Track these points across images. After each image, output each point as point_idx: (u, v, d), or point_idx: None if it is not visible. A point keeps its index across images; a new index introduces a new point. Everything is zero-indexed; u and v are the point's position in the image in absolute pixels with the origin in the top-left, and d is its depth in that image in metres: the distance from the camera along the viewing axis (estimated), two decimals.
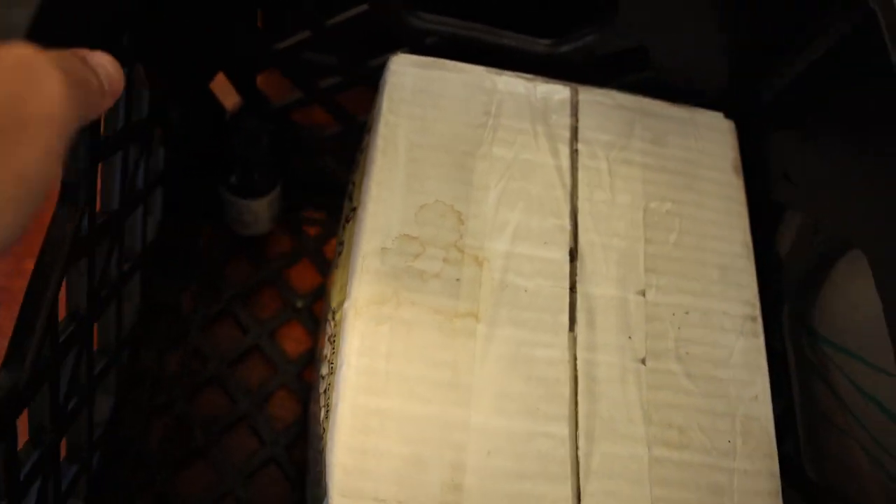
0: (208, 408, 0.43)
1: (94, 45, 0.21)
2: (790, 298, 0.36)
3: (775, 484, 0.31)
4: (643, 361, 0.32)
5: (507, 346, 0.31)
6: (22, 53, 0.18)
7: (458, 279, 0.32)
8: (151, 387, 0.42)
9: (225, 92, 0.42)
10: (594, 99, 0.37)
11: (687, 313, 0.33)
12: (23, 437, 0.27)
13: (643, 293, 0.33)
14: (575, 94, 0.37)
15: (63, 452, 0.33)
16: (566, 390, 0.31)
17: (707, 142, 0.37)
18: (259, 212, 0.45)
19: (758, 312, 0.34)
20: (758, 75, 0.38)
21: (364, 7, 0.36)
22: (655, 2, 0.35)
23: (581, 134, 0.36)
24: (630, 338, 0.32)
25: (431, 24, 0.37)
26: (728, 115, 0.38)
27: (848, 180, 0.33)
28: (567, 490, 0.29)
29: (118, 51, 0.24)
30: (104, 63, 0.22)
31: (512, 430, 0.29)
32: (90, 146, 0.29)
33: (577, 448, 0.30)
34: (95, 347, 0.35)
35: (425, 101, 0.35)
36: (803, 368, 0.35)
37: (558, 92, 0.37)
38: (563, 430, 0.30)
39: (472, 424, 0.29)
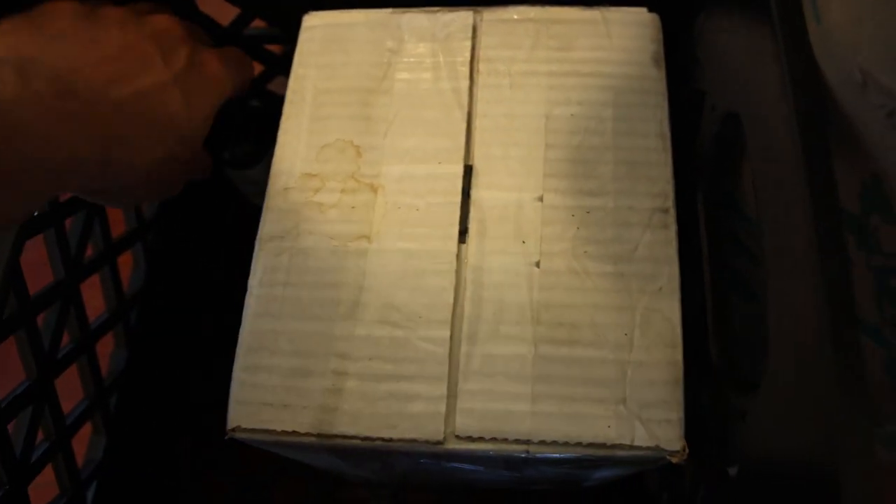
0: None
1: None
2: (707, 183, 0.34)
3: (675, 373, 0.30)
4: (537, 264, 0.32)
5: (396, 262, 0.33)
6: None
7: (353, 206, 0.34)
8: None
9: None
10: (497, 17, 0.37)
11: (588, 213, 0.33)
12: None
13: (541, 198, 0.33)
14: (479, 16, 0.37)
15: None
16: (451, 297, 0.32)
17: (623, 39, 0.36)
18: (262, 179, 0.49)
19: (670, 204, 0.33)
20: None
21: None
22: None
23: (482, 53, 0.37)
24: (524, 242, 0.33)
25: None
26: (653, 8, 0.37)
27: (732, 53, 0.31)
28: (443, 388, 0.30)
29: None
30: None
31: (394, 336, 0.31)
32: None
33: (456, 350, 0.31)
34: None
35: (333, 50, 0.38)
36: (719, 248, 0.33)
37: (462, 18, 0.37)
38: (445, 333, 0.31)
39: (356, 335, 0.31)
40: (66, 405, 0.40)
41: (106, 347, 0.45)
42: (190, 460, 0.48)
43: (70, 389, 0.41)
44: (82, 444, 0.43)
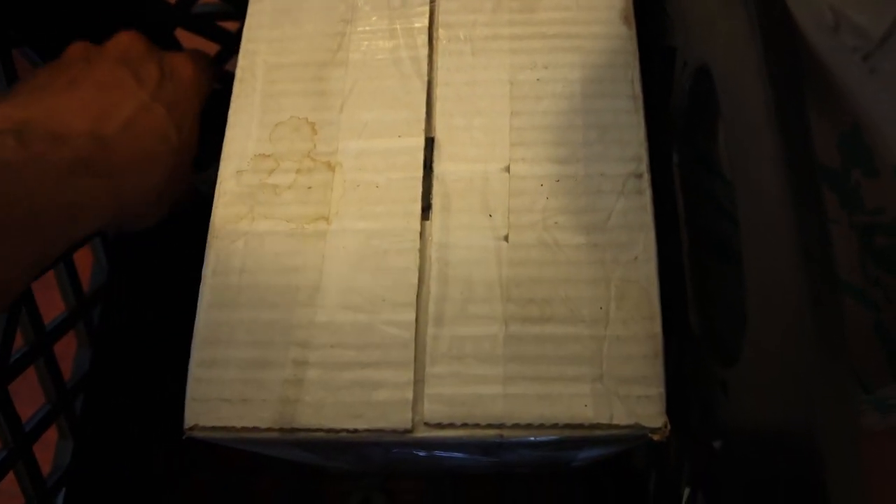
0: None
1: None
2: (682, 143, 0.32)
3: (654, 346, 0.28)
4: (505, 238, 0.30)
5: (356, 243, 0.31)
6: None
7: (310, 187, 0.32)
8: None
9: None
10: None
11: (557, 181, 0.31)
12: None
13: (507, 169, 0.32)
14: None
15: None
16: (415, 277, 0.30)
17: None
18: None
19: (644, 169, 0.31)
20: None
21: None
22: None
23: (441, 19, 0.35)
24: (491, 216, 0.31)
25: None
26: None
27: (703, 3, 0.29)
28: (409, 374, 0.28)
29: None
30: None
31: (356, 322, 0.30)
32: None
33: (423, 333, 0.29)
34: None
35: (284, 22, 0.36)
36: (696, 212, 0.31)
37: None
38: (410, 316, 0.29)
39: (317, 322, 0.30)
40: (31, 410, 0.38)
41: (69, 348, 0.43)
42: (164, 460, 0.46)
43: (35, 394, 0.40)
44: (49, 450, 0.42)
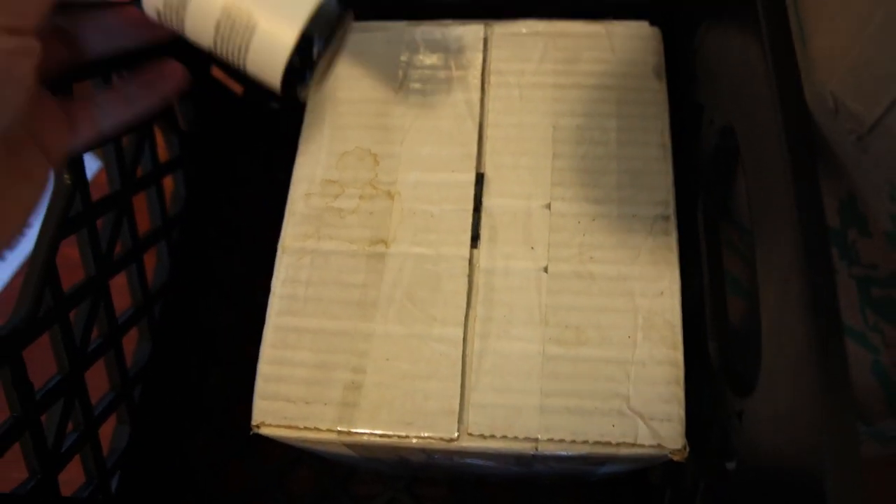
0: None
1: None
2: (706, 192, 0.35)
3: (677, 372, 0.32)
4: (545, 269, 0.34)
5: (411, 266, 0.34)
6: None
7: (371, 212, 0.36)
8: None
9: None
10: (507, 31, 0.39)
11: (593, 220, 0.35)
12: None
13: (548, 206, 0.35)
14: (489, 29, 0.39)
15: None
16: (464, 300, 0.33)
17: (626, 52, 0.38)
18: None
19: (671, 211, 0.35)
20: None
21: None
22: None
23: (493, 66, 0.38)
24: (533, 248, 0.34)
25: None
26: (654, 22, 0.38)
27: (727, 69, 0.32)
28: (456, 386, 0.32)
29: None
30: None
31: (410, 336, 0.33)
32: None
33: (469, 350, 0.33)
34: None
35: (352, 62, 0.39)
36: (716, 254, 0.34)
37: (473, 31, 0.39)
38: (458, 333, 0.33)
39: (375, 334, 0.33)
40: (93, 397, 0.42)
41: (130, 341, 0.47)
42: (208, 451, 0.50)
43: (95, 382, 0.43)
44: (106, 434, 0.45)
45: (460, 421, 0.31)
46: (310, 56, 0.23)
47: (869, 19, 0.22)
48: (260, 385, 0.33)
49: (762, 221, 0.28)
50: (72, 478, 0.40)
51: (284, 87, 0.24)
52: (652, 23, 0.38)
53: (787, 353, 0.25)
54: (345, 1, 0.26)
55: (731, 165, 0.34)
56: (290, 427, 0.32)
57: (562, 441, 0.31)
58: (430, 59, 0.39)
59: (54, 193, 0.37)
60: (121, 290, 0.45)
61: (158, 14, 0.24)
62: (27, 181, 0.25)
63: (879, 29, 0.21)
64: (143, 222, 0.46)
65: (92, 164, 0.52)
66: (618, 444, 0.30)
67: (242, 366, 0.35)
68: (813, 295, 0.23)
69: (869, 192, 0.25)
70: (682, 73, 0.38)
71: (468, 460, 0.36)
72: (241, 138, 0.56)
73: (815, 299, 0.23)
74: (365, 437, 0.32)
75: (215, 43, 0.25)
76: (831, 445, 0.22)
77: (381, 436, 0.32)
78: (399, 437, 0.31)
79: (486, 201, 0.35)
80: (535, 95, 0.37)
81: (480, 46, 0.39)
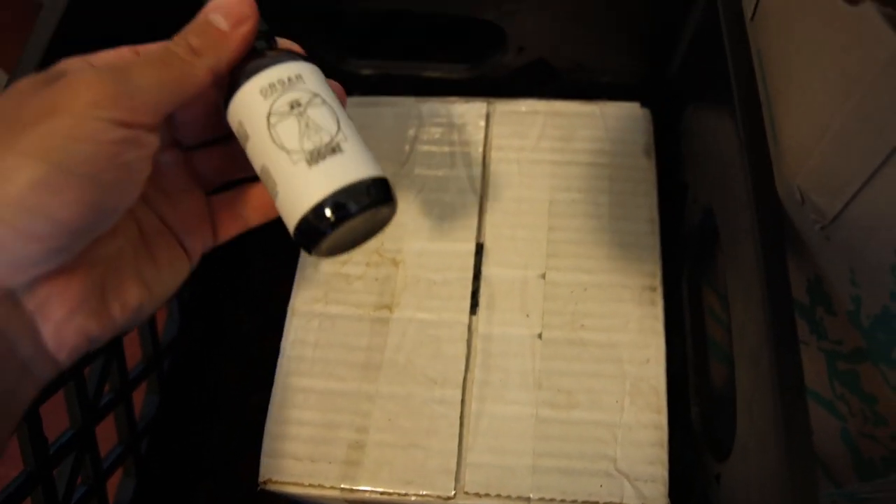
0: None
1: None
2: (690, 264, 0.38)
3: (661, 436, 0.34)
4: (539, 336, 0.36)
5: (415, 330, 0.37)
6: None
7: (377, 279, 0.38)
8: None
9: None
10: (508, 109, 0.42)
11: (585, 289, 0.37)
12: None
13: (543, 276, 0.38)
14: (491, 107, 0.42)
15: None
16: (463, 364, 0.36)
17: (618, 131, 0.41)
18: None
19: (658, 283, 0.37)
20: (660, 64, 0.41)
21: None
22: (536, 21, 0.40)
23: (494, 142, 0.41)
24: (528, 316, 0.37)
25: (364, 67, 0.44)
26: (645, 104, 0.41)
27: (709, 153, 0.35)
28: (453, 446, 0.34)
29: None
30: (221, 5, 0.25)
31: (411, 398, 0.35)
32: None
33: (467, 411, 0.35)
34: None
35: (363, 136, 0.42)
36: (700, 323, 0.37)
37: (475, 108, 0.42)
38: (457, 395, 0.35)
39: (378, 395, 0.35)
40: (101, 450, 0.44)
41: (138, 394, 0.49)
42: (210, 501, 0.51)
43: (103, 435, 0.45)
44: (112, 487, 0.47)
45: (457, 480, 0.33)
46: (332, 223, 0.25)
47: (827, 127, 0.24)
48: (267, 443, 0.35)
49: (736, 300, 0.31)
50: None
51: (301, 241, 0.26)
52: (643, 104, 0.41)
53: (758, 423, 0.27)
54: (387, 193, 0.27)
55: (713, 241, 0.36)
56: (295, 484, 0.34)
57: (552, 500, 0.32)
58: (435, 134, 0.42)
59: None
60: (131, 343, 0.47)
61: (235, 130, 0.27)
62: (165, 268, 0.28)
63: (836, 137, 0.24)
64: None
65: None
66: None
67: (246, 422, 0.37)
68: (779, 373, 0.26)
69: (832, 276, 0.27)
70: (669, 152, 0.41)
71: None
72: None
73: (782, 377, 0.25)
74: (367, 494, 0.33)
75: (260, 178, 0.27)
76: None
77: (381, 493, 0.33)
78: (399, 494, 0.33)
79: (486, 270, 0.38)
80: (534, 171, 0.40)
81: (482, 123, 0.41)
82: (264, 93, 0.25)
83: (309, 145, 0.25)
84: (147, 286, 0.27)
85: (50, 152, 0.21)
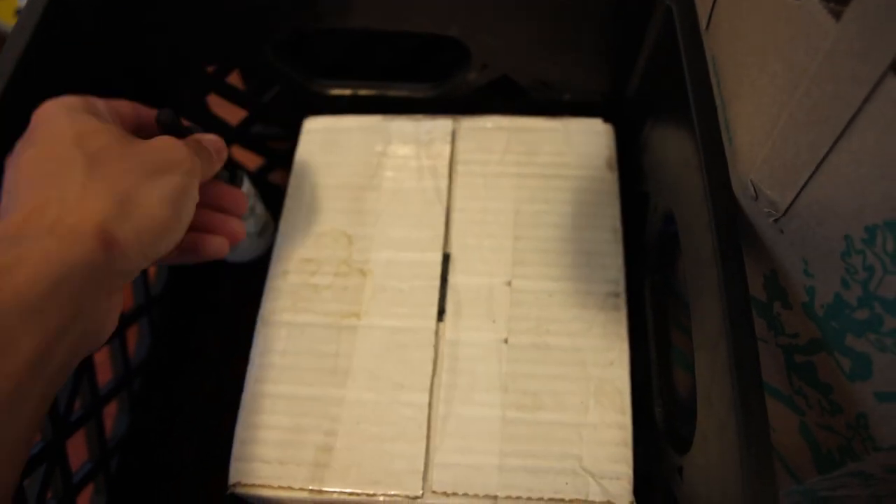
0: None
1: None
2: (653, 271, 0.39)
3: (625, 435, 0.34)
4: (505, 341, 0.37)
5: (382, 337, 0.37)
6: (166, 140, 0.31)
7: (345, 288, 0.39)
8: None
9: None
10: (473, 125, 0.43)
11: (550, 296, 0.38)
12: None
13: (509, 283, 0.38)
14: (457, 124, 0.43)
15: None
16: (430, 368, 0.36)
17: (581, 145, 0.42)
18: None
19: (621, 289, 0.38)
20: (621, 80, 0.42)
21: (276, 87, 0.45)
22: (499, 38, 0.41)
23: (460, 156, 0.42)
24: (494, 321, 0.37)
25: (331, 88, 0.45)
26: (607, 119, 0.43)
27: (668, 161, 0.37)
28: (421, 447, 0.34)
29: None
30: (212, 140, 0.35)
31: (379, 402, 0.35)
32: None
33: (434, 414, 0.35)
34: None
35: (330, 151, 0.43)
36: (663, 327, 0.38)
37: (441, 126, 0.43)
38: (424, 398, 0.35)
39: (346, 400, 0.36)
40: (72, 466, 0.43)
41: (109, 412, 0.48)
42: None
43: (73, 451, 0.45)
44: (83, 502, 0.46)
45: (425, 479, 0.33)
46: None
47: (776, 119, 0.26)
48: (237, 447, 0.35)
49: (696, 296, 0.32)
50: None
51: None
52: (605, 120, 0.43)
53: (716, 410, 0.27)
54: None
55: (674, 248, 0.37)
56: (264, 486, 0.34)
57: (519, 498, 0.33)
58: (402, 150, 0.43)
59: None
60: (103, 364, 0.47)
61: None
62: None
63: (784, 129, 0.25)
64: (127, 301, 0.48)
65: None
66: (571, 501, 0.33)
67: (217, 441, 0.37)
68: (737, 357, 0.26)
69: (787, 267, 0.28)
70: (631, 165, 0.42)
71: None
72: None
73: (739, 361, 0.26)
74: (335, 495, 0.34)
75: None
76: (752, 495, 0.24)
77: (350, 493, 0.33)
78: (367, 494, 0.33)
79: (452, 279, 0.39)
80: (499, 184, 0.41)
81: (449, 139, 0.43)
82: None
83: None
84: None
85: None
